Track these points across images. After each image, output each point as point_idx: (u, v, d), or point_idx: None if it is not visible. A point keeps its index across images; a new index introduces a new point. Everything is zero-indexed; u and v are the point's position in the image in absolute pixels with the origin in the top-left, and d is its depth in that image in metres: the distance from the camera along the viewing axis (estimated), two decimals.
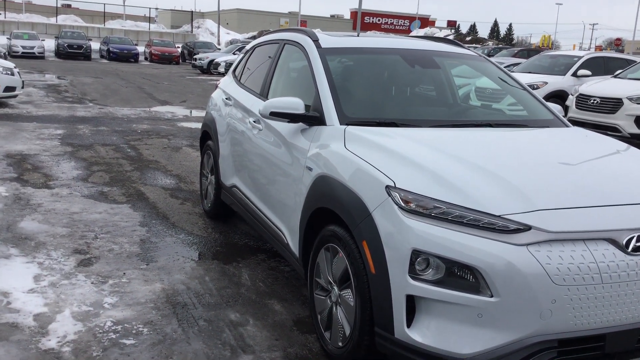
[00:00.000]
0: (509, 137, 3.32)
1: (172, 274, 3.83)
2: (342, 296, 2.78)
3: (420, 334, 2.37)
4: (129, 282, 3.67)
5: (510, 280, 2.25)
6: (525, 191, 2.46)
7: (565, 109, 10.96)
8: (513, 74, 4.37)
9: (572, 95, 10.74)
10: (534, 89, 11.48)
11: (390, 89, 3.88)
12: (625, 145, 3.32)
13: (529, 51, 23.18)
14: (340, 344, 2.78)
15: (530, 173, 2.67)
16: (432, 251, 2.33)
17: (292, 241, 3.35)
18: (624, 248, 2.35)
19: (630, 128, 9.65)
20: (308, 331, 3.16)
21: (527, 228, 2.30)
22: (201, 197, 5.41)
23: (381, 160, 2.73)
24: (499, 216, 2.34)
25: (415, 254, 2.36)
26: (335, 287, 2.84)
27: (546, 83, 11.75)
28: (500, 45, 30.08)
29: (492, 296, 2.27)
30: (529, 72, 12.66)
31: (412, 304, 2.40)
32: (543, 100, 3.92)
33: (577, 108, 10.47)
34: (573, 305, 2.29)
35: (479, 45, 29.11)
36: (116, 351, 2.85)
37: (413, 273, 2.37)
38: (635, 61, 12.12)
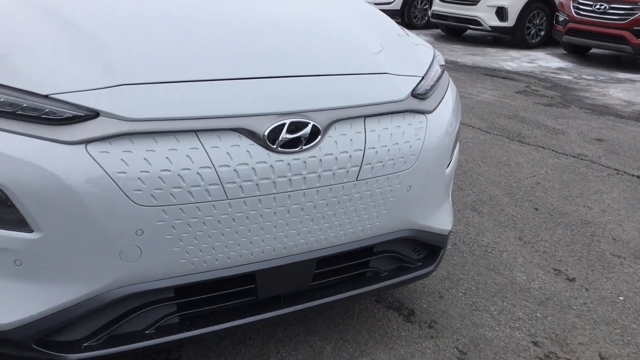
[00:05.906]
0: None
1: None
2: None
3: None
4: None
5: (58, 204, 1.34)
6: (110, 55, 1.48)
7: (430, 2, 10.17)
8: None
9: None
10: None
11: None
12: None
13: None
14: None
15: (140, 30, 1.64)
16: None
17: None
18: (266, 142, 1.48)
19: (491, 20, 9.02)
20: None
21: (94, 115, 1.37)
22: None
23: None
24: (47, 96, 1.38)
25: None
26: None
27: None
28: None
29: (32, 231, 1.37)
30: None
31: None
32: None
33: (440, 0, 9.68)
34: (180, 237, 1.44)
35: None
36: None
37: None
38: None
